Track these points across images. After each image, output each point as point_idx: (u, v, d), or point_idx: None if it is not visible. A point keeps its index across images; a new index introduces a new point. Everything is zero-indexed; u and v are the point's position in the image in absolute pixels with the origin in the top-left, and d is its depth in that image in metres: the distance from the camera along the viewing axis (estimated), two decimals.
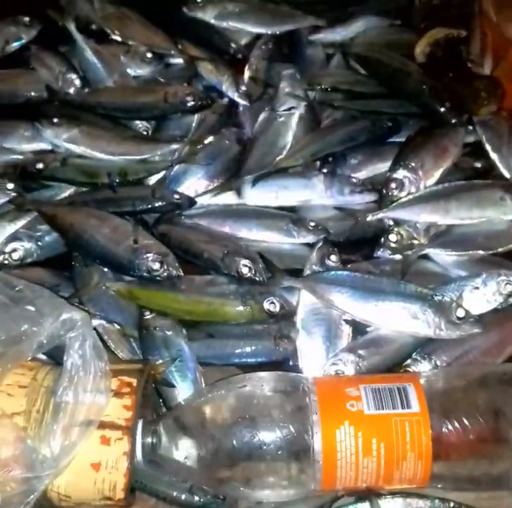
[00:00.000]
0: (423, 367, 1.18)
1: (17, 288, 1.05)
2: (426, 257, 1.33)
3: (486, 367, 1.14)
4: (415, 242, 1.33)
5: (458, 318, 1.17)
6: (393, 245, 1.32)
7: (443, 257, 1.32)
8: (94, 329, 1.07)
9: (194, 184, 1.43)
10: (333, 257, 1.28)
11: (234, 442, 0.99)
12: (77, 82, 1.58)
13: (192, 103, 1.50)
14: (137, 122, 1.55)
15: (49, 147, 1.49)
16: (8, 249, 1.32)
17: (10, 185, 1.39)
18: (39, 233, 1.35)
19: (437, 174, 1.39)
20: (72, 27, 1.60)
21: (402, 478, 1.00)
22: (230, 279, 1.28)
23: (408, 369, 1.19)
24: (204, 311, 1.25)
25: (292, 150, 1.47)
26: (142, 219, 1.37)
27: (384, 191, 1.38)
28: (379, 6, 1.80)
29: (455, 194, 1.35)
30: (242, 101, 1.57)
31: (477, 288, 1.24)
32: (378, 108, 1.55)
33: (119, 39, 1.67)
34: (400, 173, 1.37)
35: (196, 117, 1.54)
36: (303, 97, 1.55)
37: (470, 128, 1.47)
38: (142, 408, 1.01)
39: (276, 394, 1.03)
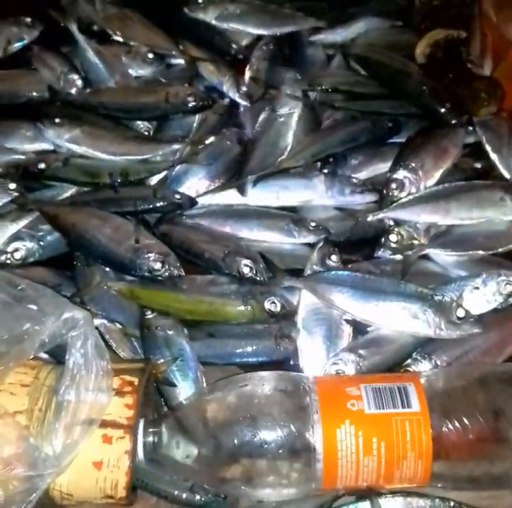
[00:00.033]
0: (423, 366, 1.18)
1: (19, 287, 1.05)
2: (426, 257, 1.33)
3: (486, 366, 1.15)
4: (416, 242, 1.33)
5: (458, 318, 1.18)
6: (393, 245, 1.33)
7: (444, 258, 1.32)
8: (96, 328, 1.07)
9: (196, 184, 1.43)
10: (333, 257, 1.28)
11: (235, 441, 1.00)
12: (79, 82, 1.58)
13: (194, 103, 1.50)
14: (139, 122, 1.55)
15: (51, 147, 1.49)
16: (10, 249, 1.33)
17: (12, 185, 1.39)
18: (41, 233, 1.35)
19: (437, 175, 1.39)
20: (74, 27, 1.60)
21: (402, 477, 1.01)
22: (232, 278, 1.28)
23: (408, 369, 1.19)
24: (205, 311, 1.26)
25: (293, 151, 1.47)
26: (143, 219, 1.37)
27: (385, 191, 1.38)
28: (380, 7, 1.79)
29: (456, 194, 1.35)
30: (243, 102, 1.57)
31: (477, 288, 1.24)
32: (378, 109, 1.55)
33: (121, 39, 1.66)
34: (401, 174, 1.38)
35: (197, 117, 1.54)
36: (304, 97, 1.55)
37: (470, 128, 1.48)
38: (143, 408, 1.02)
39: (277, 393, 1.04)
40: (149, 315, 1.25)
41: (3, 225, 1.36)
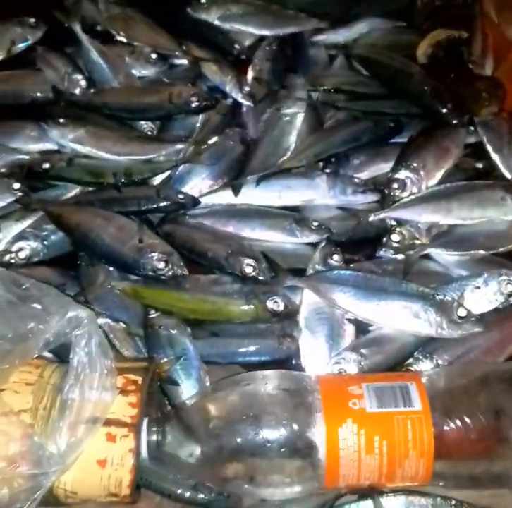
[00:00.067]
0: (425, 366, 1.19)
1: (23, 287, 1.05)
2: (428, 256, 1.33)
3: (487, 366, 1.15)
4: (417, 242, 1.33)
5: (460, 317, 1.18)
6: (395, 244, 1.33)
7: (445, 257, 1.32)
8: (100, 327, 1.07)
9: (199, 184, 1.44)
10: (335, 257, 1.29)
11: (238, 440, 1.00)
12: (83, 82, 1.58)
13: (197, 103, 1.51)
14: (142, 122, 1.55)
15: (55, 147, 1.49)
16: (14, 248, 1.33)
17: (17, 185, 1.39)
18: (45, 233, 1.36)
19: (439, 175, 1.39)
20: (77, 28, 1.60)
21: (404, 476, 1.01)
22: (234, 278, 1.29)
23: (410, 368, 1.19)
24: (208, 310, 1.26)
25: (295, 151, 1.47)
26: (147, 219, 1.38)
27: (386, 191, 1.38)
28: (381, 8, 1.79)
29: (457, 194, 1.35)
30: (246, 102, 1.57)
31: (479, 287, 1.24)
32: (380, 109, 1.56)
33: (124, 40, 1.67)
34: (402, 174, 1.38)
35: (200, 117, 1.54)
36: (306, 97, 1.55)
37: (472, 128, 1.48)
38: (147, 406, 1.02)
39: (280, 392, 1.04)
40: (153, 314, 1.25)
41: (7, 225, 1.36)
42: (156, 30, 1.70)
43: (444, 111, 1.49)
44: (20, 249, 1.33)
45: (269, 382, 1.06)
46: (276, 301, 1.25)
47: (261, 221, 1.38)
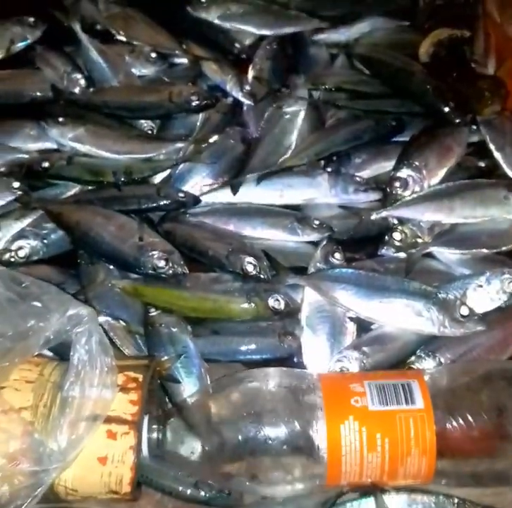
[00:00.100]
0: (427, 364, 1.18)
1: (23, 285, 1.05)
2: (430, 255, 1.33)
3: (489, 364, 1.15)
4: (419, 240, 1.33)
5: (462, 316, 1.18)
6: (397, 243, 1.33)
7: (447, 256, 1.32)
8: (100, 325, 1.07)
9: (199, 182, 1.43)
10: (337, 255, 1.28)
11: (239, 437, 1.00)
12: (83, 81, 1.58)
13: (197, 102, 1.50)
14: (142, 121, 1.55)
15: (55, 146, 1.49)
16: (14, 247, 1.33)
17: (16, 184, 1.39)
18: (45, 231, 1.35)
19: (441, 173, 1.39)
20: (77, 27, 1.60)
21: (406, 474, 1.01)
22: (235, 276, 1.28)
23: (412, 366, 1.19)
24: (209, 308, 1.26)
25: (296, 149, 1.47)
26: (147, 217, 1.38)
27: (388, 190, 1.38)
28: (383, 7, 1.79)
29: (459, 193, 1.35)
30: (246, 101, 1.57)
31: (481, 286, 1.24)
32: (382, 107, 1.56)
33: (124, 39, 1.66)
34: (405, 172, 1.38)
35: (200, 116, 1.54)
36: (307, 96, 1.55)
37: (474, 127, 1.47)
38: (147, 404, 1.02)
39: (281, 390, 1.04)
40: (153, 312, 1.25)
41: (7, 223, 1.36)
42: (156, 29, 1.69)
43: (447, 110, 1.49)
44: (20, 248, 1.33)
45: (270, 380, 1.06)
46: (277, 299, 1.24)
47: (262, 220, 1.37)
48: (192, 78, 1.63)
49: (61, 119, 1.48)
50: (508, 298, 1.24)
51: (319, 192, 1.41)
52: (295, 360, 1.22)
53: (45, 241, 1.35)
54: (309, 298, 1.25)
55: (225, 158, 1.46)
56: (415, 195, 1.36)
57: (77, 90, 1.57)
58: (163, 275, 1.27)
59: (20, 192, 1.39)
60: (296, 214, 1.38)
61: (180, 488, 1.10)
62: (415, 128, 1.50)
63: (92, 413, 0.96)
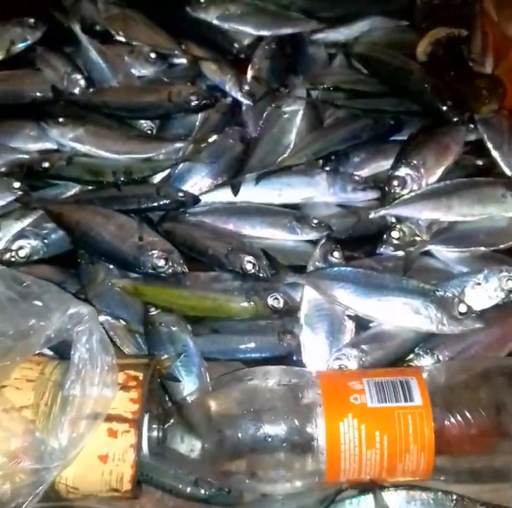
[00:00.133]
0: (425, 361, 1.19)
1: (24, 284, 1.05)
2: (428, 253, 1.33)
3: (488, 361, 1.15)
4: (417, 239, 1.33)
5: (460, 313, 1.18)
6: (395, 241, 1.33)
7: (445, 254, 1.33)
8: (100, 324, 1.07)
9: (199, 182, 1.44)
10: (336, 254, 1.29)
11: (239, 435, 1.01)
12: (82, 82, 1.58)
13: (196, 102, 1.51)
14: (142, 121, 1.55)
15: (55, 147, 1.50)
16: (14, 246, 1.33)
17: (17, 184, 1.39)
18: (45, 231, 1.36)
19: (439, 172, 1.39)
20: (77, 28, 1.61)
21: (405, 470, 1.01)
22: (235, 275, 1.29)
23: (411, 364, 1.19)
24: (208, 307, 1.26)
25: (295, 149, 1.47)
26: (147, 217, 1.38)
27: (387, 188, 1.38)
28: (381, 7, 1.79)
29: (457, 191, 1.35)
30: (245, 101, 1.57)
31: (479, 284, 1.24)
32: (380, 106, 1.56)
33: (123, 39, 1.67)
34: (403, 171, 1.38)
35: (200, 116, 1.55)
36: (306, 96, 1.56)
37: (472, 126, 1.48)
38: (148, 403, 1.02)
39: (281, 388, 1.05)
40: (153, 311, 1.25)
41: (7, 223, 1.36)
42: (155, 30, 1.70)
43: (444, 108, 1.49)
44: (20, 247, 1.34)
45: (269, 378, 1.06)
46: (276, 298, 1.25)
47: (261, 219, 1.38)
48: (192, 78, 1.63)
49: (61, 119, 1.48)
50: (505, 296, 1.24)
51: (318, 192, 1.41)
52: (294, 358, 1.23)
53: (45, 241, 1.35)
54: (308, 296, 1.25)
55: (224, 157, 1.47)
56: (413, 194, 1.36)
57: (77, 91, 1.58)
58: (163, 274, 1.28)
59: (20, 192, 1.39)
60: (295, 213, 1.39)
61: (180, 486, 1.11)
62: (413, 126, 1.50)
63: (93, 412, 0.97)
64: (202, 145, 1.46)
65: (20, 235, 1.35)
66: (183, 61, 1.67)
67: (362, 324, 1.24)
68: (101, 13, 1.70)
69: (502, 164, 1.42)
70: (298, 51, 1.71)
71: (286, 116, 1.50)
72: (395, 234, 1.33)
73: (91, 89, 1.58)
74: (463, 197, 1.35)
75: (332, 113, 1.56)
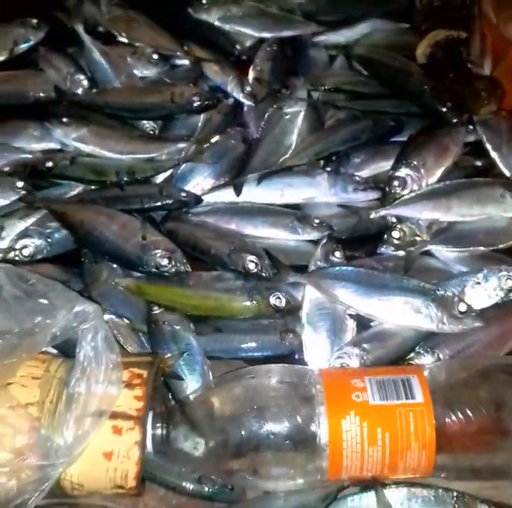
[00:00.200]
0: (426, 360, 1.20)
1: (30, 282, 1.06)
2: (428, 253, 1.34)
3: (488, 359, 1.16)
4: (418, 239, 1.34)
5: (460, 312, 1.19)
6: (396, 241, 1.33)
7: (445, 254, 1.33)
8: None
9: (201, 182, 1.45)
10: (337, 254, 1.29)
11: (242, 433, 1.01)
12: (85, 82, 1.59)
13: (198, 103, 1.52)
14: (144, 122, 1.56)
15: (58, 147, 1.50)
16: (18, 246, 1.34)
17: (20, 184, 1.39)
18: (48, 230, 1.36)
19: (439, 172, 1.40)
20: (80, 29, 1.61)
21: (406, 468, 1.02)
22: (237, 274, 1.29)
23: (411, 362, 1.20)
24: (211, 306, 1.27)
25: (296, 149, 1.48)
26: (149, 217, 1.39)
27: (387, 189, 1.39)
28: (381, 9, 1.80)
29: (457, 192, 1.36)
30: (247, 102, 1.58)
31: (479, 283, 1.25)
32: (380, 108, 1.57)
33: (126, 40, 1.68)
34: (403, 172, 1.39)
35: (202, 117, 1.55)
36: (307, 97, 1.57)
37: (471, 127, 1.48)
38: (151, 401, 1.03)
39: (283, 385, 1.05)
40: (156, 310, 1.26)
41: (11, 222, 1.37)
42: (158, 31, 1.71)
43: (444, 110, 1.50)
44: (24, 246, 1.34)
45: (272, 376, 1.07)
46: (278, 297, 1.25)
47: (263, 219, 1.38)
48: (194, 79, 1.64)
49: (64, 120, 1.49)
50: (505, 295, 1.25)
51: (319, 192, 1.42)
52: (296, 357, 1.23)
53: (49, 240, 1.36)
54: (309, 295, 1.26)
55: (226, 158, 1.47)
56: (413, 194, 1.37)
57: (80, 91, 1.58)
58: (166, 273, 1.29)
59: (24, 192, 1.39)
60: (296, 213, 1.39)
61: (184, 483, 1.12)
62: (413, 128, 1.51)
63: (98, 409, 0.97)
64: (204, 146, 1.47)
65: (24, 234, 1.35)
66: (185, 62, 1.68)
67: (363, 323, 1.25)
68: (104, 14, 1.70)
69: (501, 165, 1.43)
70: (299, 52, 1.72)
71: (288, 117, 1.51)
72: (395, 234, 1.34)
73: (94, 90, 1.59)
74: (463, 197, 1.36)
75: (333, 115, 1.57)
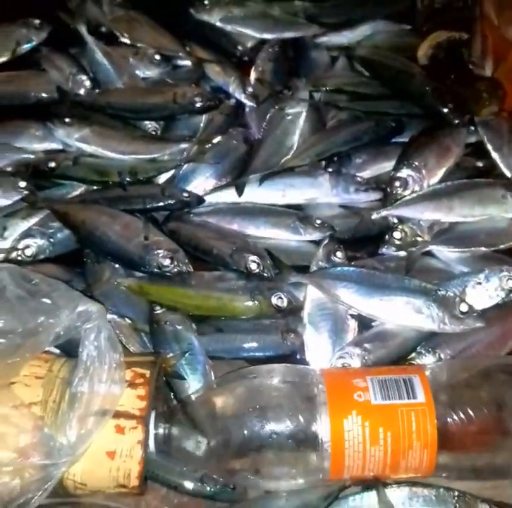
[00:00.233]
0: (427, 360, 1.20)
1: (33, 282, 1.06)
2: (429, 254, 1.34)
3: (489, 359, 1.16)
4: (419, 239, 1.34)
5: (462, 313, 1.19)
6: (397, 242, 1.34)
7: (447, 254, 1.33)
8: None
9: (203, 183, 1.45)
10: (338, 254, 1.30)
11: (244, 432, 1.01)
12: (88, 83, 1.59)
13: (200, 104, 1.52)
14: (147, 122, 1.57)
15: (60, 147, 1.51)
16: (21, 245, 1.34)
17: (23, 184, 1.40)
18: (51, 230, 1.36)
19: (440, 173, 1.40)
20: (83, 29, 1.62)
21: (408, 467, 1.02)
22: (239, 274, 1.30)
23: (413, 362, 1.20)
24: (213, 306, 1.27)
25: (298, 150, 1.48)
26: (152, 217, 1.39)
27: (389, 190, 1.39)
28: (383, 11, 1.81)
29: (458, 192, 1.36)
30: (248, 102, 1.58)
31: (480, 283, 1.25)
32: (382, 109, 1.57)
33: (128, 41, 1.68)
34: (404, 172, 1.39)
35: (204, 117, 1.56)
36: (308, 98, 1.57)
37: (472, 128, 1.49)
38: (154, 400, 1.03)
39: (285, 385, 1.05)
40: (158, 310, 1.26)
41: (14, 222, 1.37)
42: (160, 32, 1.71)
43: (445, 111, 1.51)
44: (27, 246, 1.34)
45: (274, 376, 1.07)
46: (280, 297, 1.26)
47: (265, 219, 1.39)
48: (196, 80, 1.64)
49: (66, 120, 1.49)
50: (506, 295, 1.25)
51: (321, 192, 1.42)
52: (298, 357, 1.24)
53: (51, 240, 1.36)
54: (311, 295, 1.26)
55: (228, 158, 1.48)
56: (414, 195, 1.37)
57: (82, 92, 1.59)
58: (168, 273, 1.29)
59: (26, 192, 1.40)
60: (298, 214, 1.40)
61: (186, 483, 1.12)
62: (415, 128, 1.51)
63: (101, 408, 0.98)
64: (206, 146, 1.47)
65: (27, 234, 1.36)
66: (187, 62, 1.68)
67: (364, 323, 1.25)
68: (107, 14, 1.71)
69: (502, 166, 1.43)
70: (301, 54, 1.72)
71: (289, 117, 1.51)
72: (397, 235, 1.34)
73: (96, 90, 1.59)
74: (464, 198, 1.36)
75: (334, 115, 1.57)
